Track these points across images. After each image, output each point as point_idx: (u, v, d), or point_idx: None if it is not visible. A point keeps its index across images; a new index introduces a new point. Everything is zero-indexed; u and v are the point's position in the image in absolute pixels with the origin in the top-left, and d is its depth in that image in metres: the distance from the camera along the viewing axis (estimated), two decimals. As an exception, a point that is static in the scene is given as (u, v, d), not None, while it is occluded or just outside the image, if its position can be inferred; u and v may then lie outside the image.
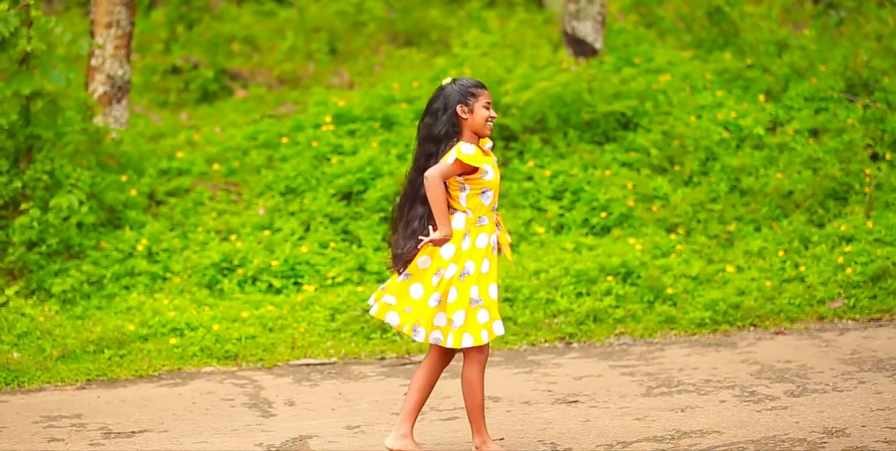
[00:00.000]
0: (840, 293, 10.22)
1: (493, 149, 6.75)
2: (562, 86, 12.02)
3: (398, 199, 6.77)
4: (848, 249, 10.54)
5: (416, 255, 6.58)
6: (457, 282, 6.52)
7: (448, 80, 6.70)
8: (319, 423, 7.68)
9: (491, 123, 6.59)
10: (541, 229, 11.14)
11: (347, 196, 11.46)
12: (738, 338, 9.70)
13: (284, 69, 15.57)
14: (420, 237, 6.55)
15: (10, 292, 10.15)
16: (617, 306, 10.12)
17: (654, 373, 8.67)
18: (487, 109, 6.57)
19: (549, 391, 8.30)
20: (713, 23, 13.92)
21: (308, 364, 9.41)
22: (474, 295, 6.50)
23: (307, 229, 11.21)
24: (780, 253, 10.74)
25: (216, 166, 11.89)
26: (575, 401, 7.96)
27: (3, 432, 7.73)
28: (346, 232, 11.20)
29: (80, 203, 10.64)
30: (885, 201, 11.26)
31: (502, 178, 11.59)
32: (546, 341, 9.81)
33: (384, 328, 9.84)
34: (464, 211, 6.57)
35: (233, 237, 10.96)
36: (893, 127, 11.88)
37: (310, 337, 9.77)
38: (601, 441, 6.97)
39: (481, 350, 6.57)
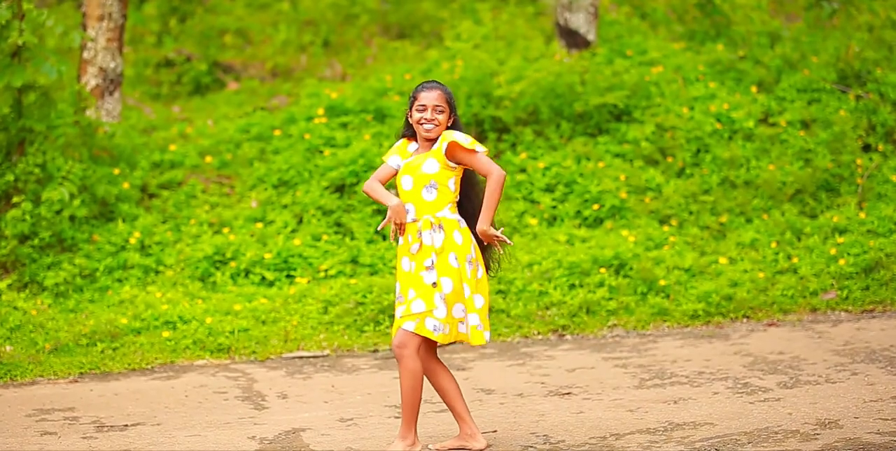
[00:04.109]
0: (833, 285, 10.24)
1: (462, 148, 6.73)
2: (554, 77, 12.02)
3: None
4: (840, 240, 10.55)
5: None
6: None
7: (431, 80, 6.90)
8: (312, 416, 7.68)
9: (427, 125, 6.70)
10: (533, 221, 11.14)
11: (340, 189, 11.45)
12: (731, 330, 9.71)
13: (277, 62, 15.56)
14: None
15: (2, 285, 10.13)
16: (610, 298, 10.13)
17: (647, 365, 8.68)
18: (420, 112, 6.71)
19: (542, 383, 8.31)
20: (705, 14, 13.92)
21: (301, 357, 9.41)
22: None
23: (300, 222, 11.21)
24: (773, 245, 10.75)
25: (209, 159, 11.88)
26: (568, 393, 7.97)
27: (-5, 425, 7.74)
28: (338, 225, 11.20)
29: (71, 196, 10.62)
30: (877, 193, 11.28)
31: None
32: (539, 333, 9.82)
33: (377, 321, 9.85)
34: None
35: (225, 230, 10.95)
36: (885, 118, 11.90)
37: (303, 330, 9.77)
38: (594, 433, 6.97)
39: None
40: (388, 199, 6.66)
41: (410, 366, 6.55)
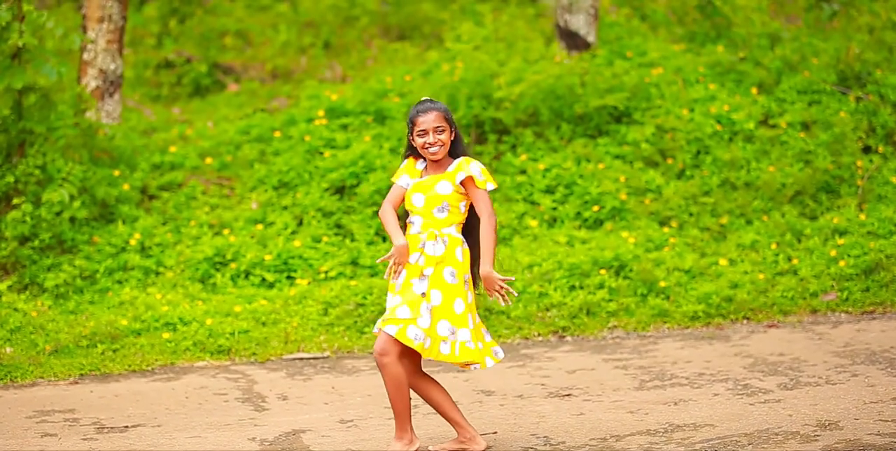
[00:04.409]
0: (833, 286, 10.24)
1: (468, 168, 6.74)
2: (554, 79, 12.02)
3: None
4: (841, 241, 10.55)
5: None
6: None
7: (424, 99, 6.83)
8: (313, 417, 7.68)
9: (432, 149, 6.68)
10: (534, 223, 11.14)
11: (340, 190, 11.45)
12: (732, 331, 9.71)
13: (277, 63, 15.56)
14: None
15: (2, 286, 10.13)
16: (610, 300, 10.13)
17: (648, 366, 8.67)
18: (422, 136, 6.68)
19: (543, 384, 8.31)
20: (705, 16, 13.92)
21: (301, 358, 9.40)
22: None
23: (300, 224, 11.21)
24: (773, 246, 10.75)
25: (209, 161, 11.88)
26: (568, 395, 7.97)
27: (-4, 427, 7.74)
28: (338, 226, 11.20)
29: (72, 197, 10.62)
30: (877, 194, 11.28)
31: (495, 171, 11.58)
32: (539, 334, 9.82)
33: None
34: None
35: (226, 232, 10.95)
36: (885, 120, 11.90)
37: (303, 331, 9.77)
38: (594, 435, 6.97)
39: None
40: (396, 237, 6.63)
41: (393, 372, 6.54)
